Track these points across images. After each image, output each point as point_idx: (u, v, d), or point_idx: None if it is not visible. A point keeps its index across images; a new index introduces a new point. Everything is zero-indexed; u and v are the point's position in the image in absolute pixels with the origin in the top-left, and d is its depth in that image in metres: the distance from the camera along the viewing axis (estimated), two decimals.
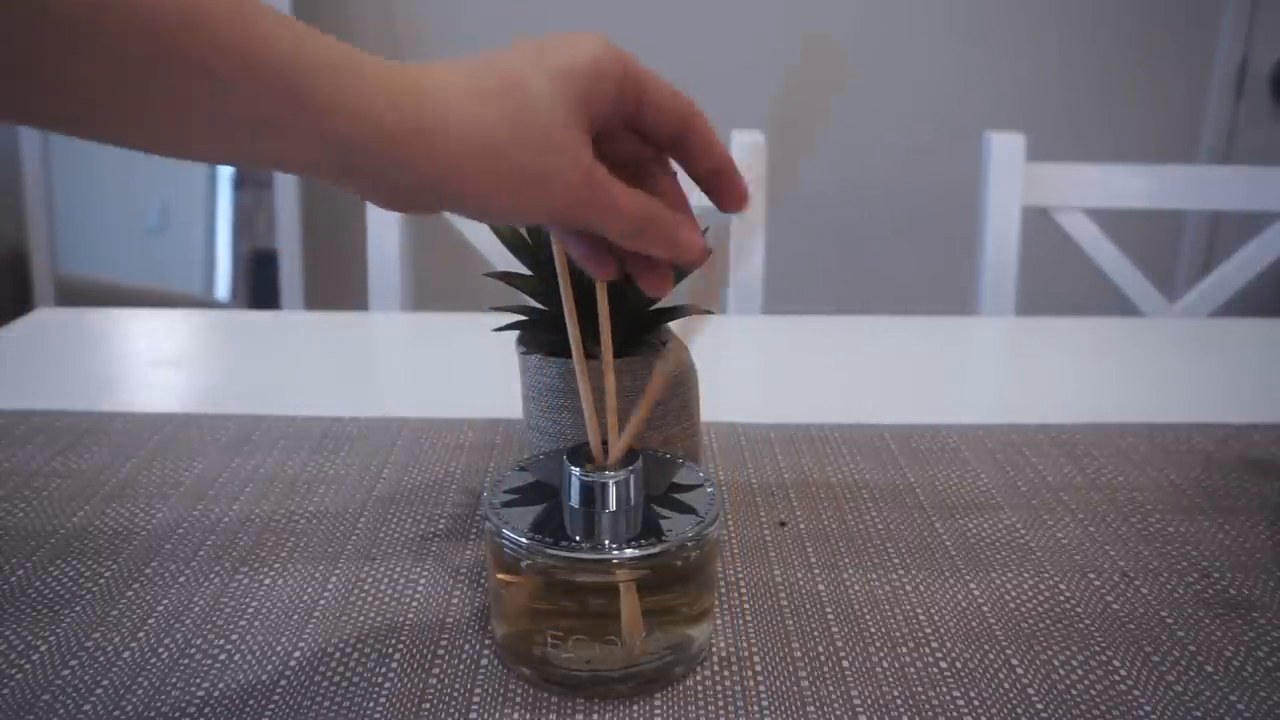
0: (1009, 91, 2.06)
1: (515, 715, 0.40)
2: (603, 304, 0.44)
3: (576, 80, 0.36)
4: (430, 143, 0.33)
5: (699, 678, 0.42)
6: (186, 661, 0.43)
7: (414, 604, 0.47)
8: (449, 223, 1.10)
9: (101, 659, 0.43)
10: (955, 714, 0.40)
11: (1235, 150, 2.10)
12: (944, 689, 0.41)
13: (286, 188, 1.88)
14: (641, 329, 0.50)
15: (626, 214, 0.37)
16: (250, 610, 0.46)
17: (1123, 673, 0.42)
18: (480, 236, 1.09)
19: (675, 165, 0.41)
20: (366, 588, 0.48)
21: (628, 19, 2.00)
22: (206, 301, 1.97)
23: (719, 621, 0.45)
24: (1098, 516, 0.56)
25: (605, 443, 0.43)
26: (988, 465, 0.62)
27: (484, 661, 0.43)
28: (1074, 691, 0.41)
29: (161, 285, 1.98)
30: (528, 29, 1.93)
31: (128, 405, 0.71)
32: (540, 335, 0.51)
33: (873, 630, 0.45)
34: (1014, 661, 0.43)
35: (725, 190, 0.41)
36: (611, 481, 0.41)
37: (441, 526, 0.54)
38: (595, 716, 0.40)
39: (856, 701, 0.41)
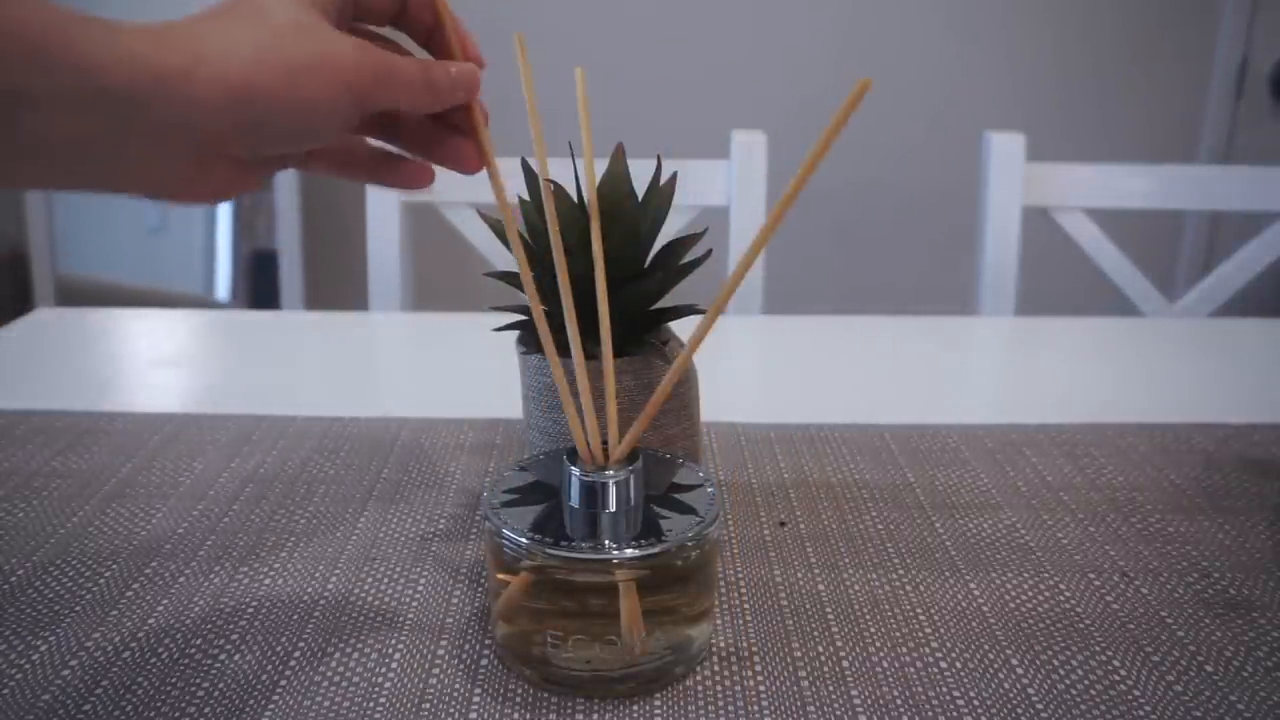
0: (1009, 91, 2.06)
1: (515, 715, 0.40)
2: (603, 307, 0.44)
3: None
4: (205, 67, 0.32)
5: (699, 678, 0.42)
6: (186, 661, 0.43)
7: (414, 604, 0.47)
8: (449, 223, 1.10)
9: (101, 659, 0.43)
10: (955, 714, 0.40)
11: (1235, 150, 2.10)
12: (944, 689, 0.41)
13: (287, 188, 1.88)
14: (641, 329, 0.50)
15: (412, 71, 0.38)
16: (250, 610, 0.46)
17: (1123, 673, 0.42)
18: (480, 236, 1.09)
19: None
20: (366, 588, 0.48)
21: (628, 19, 2.00)
22: (206, 301, 1.97)
23: (719, 621, 0.45)
24: (1098, 516, 0.56)
25: (605, 443, 0.43)
26: (988, 465, 0.62)
27: (484, 661, 0.43)
28: (1074, 691, 0.41)
29: (161, 285, 1.98)
30: (528, 29, 1.93)
31: (127, 405, 0.71)
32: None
33: (873, 630, 0.45)
34: (1014, 661, 0.43)
35: (458, 48, 0.41)
36: (612, 481, 0.41)
37: (441, 526, 0.54)
38: (595, 716, 0.40)
39: (856, 701, 0.41)
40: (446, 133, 0.42)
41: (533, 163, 0.46)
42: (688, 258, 0.50)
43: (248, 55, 0.33)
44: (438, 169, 0.43)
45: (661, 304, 0.50)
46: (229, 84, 0.33)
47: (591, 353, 0.45)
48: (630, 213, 0.48)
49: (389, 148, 0.43)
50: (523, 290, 0.45)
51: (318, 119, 0.35)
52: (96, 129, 0.31)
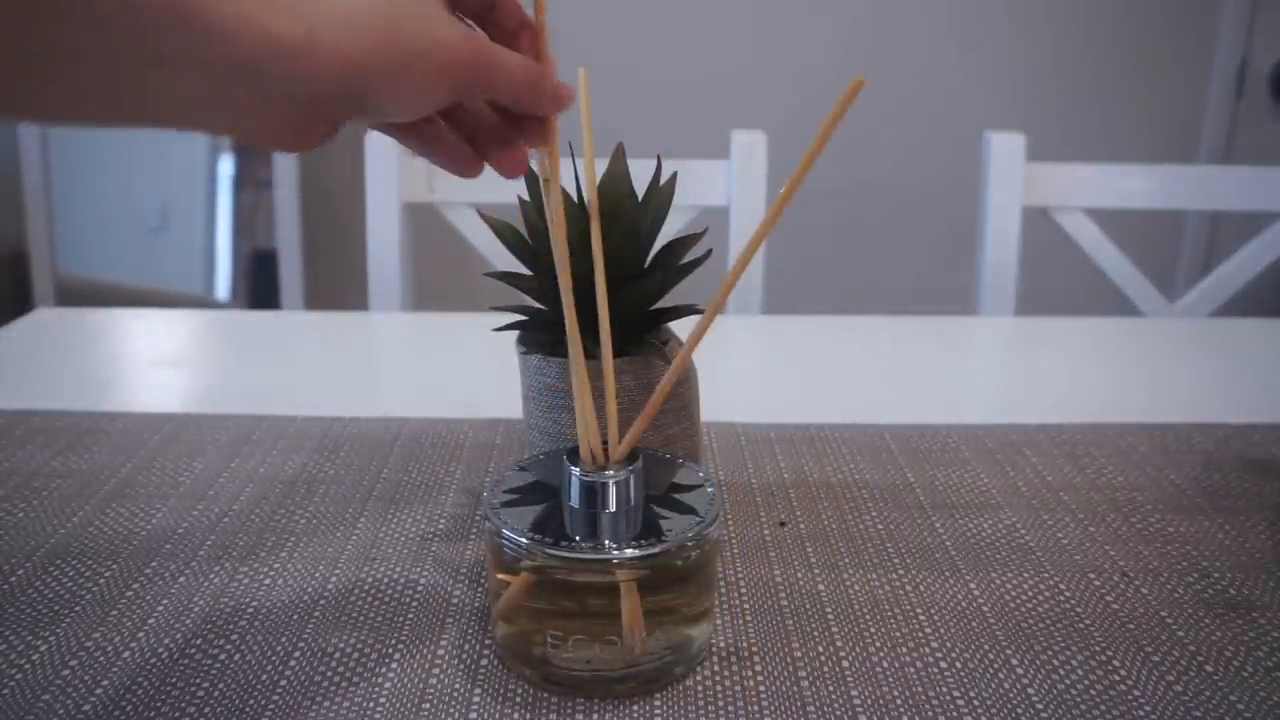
0: (1009, 91, 2.06)
1: (515, 715, 0.40)
2: (603, 307, 0.44)
3: None
4: (322, 40, 0.33)
5: (699, 678, 0.42)
6: (186, 661, 0.43)
7: (414, 604, 0.47)
8: (449, 223, 1.10)
9: (101, 659, 0.43)
10: (955, 714, 0.40)
11: (1235, 150, 2.10)
12: (944, 689, 0.41)
13: (287, 188, 1.88)
14: (641, 329, 0.50)
15: (517, 69, 0.39)
16: (250, 610, 0.46)
17: (1123, 673, 0.42)
18: (480, 236, 1.09)
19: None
20: (366, 588, 0.48)
21: (629, 19, 2.00)
22: (206, 301, 1.97)
23: (719, 621, 0.45)
24: (1098, 516, 0.56)
25: (605, 443, 0.43)
26: (988, 465, 0.62)
27: (484, 661, 0.43)
28: (1074, 691, 0.41)
29: (161, 285, 1.98)
30: None
31: (127, 405, 0.71)
32: (540, 335, 0.51)
33: (873, 630, 0.45)
34: (1014, 661, 0.43)
35: (528, 47, 0.42)
36: (612, 481, 0.41)
37: (441, 526, 0.54)
38: (595, 716, 0.40)
39: (856, 701, 0.41)
40: (506, 132, 0.43)
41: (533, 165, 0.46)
42: (688, 258, 0.50)
43: (364, 32, 0.34)
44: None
45: (661, 304, 0.50)
46: (342, 59, 0.34)
47: (590, 352, 0.45)
48: (630, 213, 0.48)
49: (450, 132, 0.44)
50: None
51: (417, 101, 0.37)
52: (217, 88, 0.33)
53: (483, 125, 0.43)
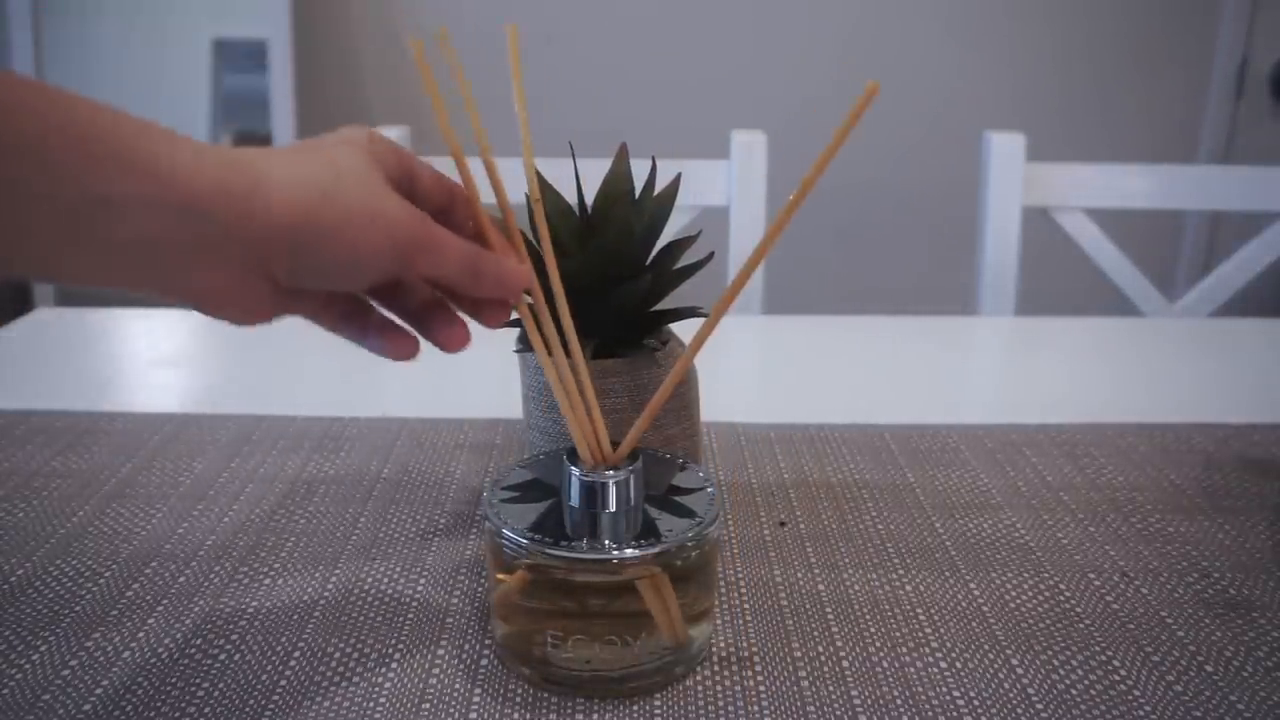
0: (1008, 91, 2.06)
1: (515, 715, 0.40)
2: (564, 309, 0.44)
3: (361, 145, 0.39)
4: (270, 193, 0.34)
5: (699, 678, 0.42)
6: (186, 661, 0.43)
7: (414, 604, 0.47)
8: None
9: (101, 659, 0.43)
10: (955, 714, 0.40)
11: (1235, 150, 2.10)
12: (944, 689, 0.41)
13: None
14: (641, 330, 0.50)
15: (457, 249, 0.39)
16: (250, 610, 0.46)
17: (1123, 673, 0.42)
18: None
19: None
20: (366, 588, 0.48)
21: (629, 19, 2.00)
22: None
23: (719, 621, 0.45)
24: (1098, 516, 0.56)
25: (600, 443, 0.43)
26: (988, 465, 0.62)
27: (484, 661, 0.43)
28: (1074, 691, 0.41)
29: None
30: (528, 28, 1.93)
31: (127, 405, 0.71)
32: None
33: (873, 630, 0.45)
34: (1014, 661, 0.43)
35: (494, 255, 0.42)
36: (612, 482, 0.41)
37: (441, 526, 0.54)
38: (595, 716, 0.40)
39: (856, 701, 0.41)
40: (448, 311, 0.43)
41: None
42: (686, 260, 0.50)
43: (311, 189, 0.35)
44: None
45: (664, 305, 0.50)
46: (289, 206, 0.35)
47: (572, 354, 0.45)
48: (624, 213, 0.48)
49: (385, 314, 0.44)
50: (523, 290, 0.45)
51: (360, 264, 0.37)
52: (161, 235, 0.33)
53: (422, 301, 0.43)
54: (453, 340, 0.43)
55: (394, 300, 0.43)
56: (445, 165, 0.44)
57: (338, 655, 0.43)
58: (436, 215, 0.41)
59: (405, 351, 0.43)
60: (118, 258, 0.33)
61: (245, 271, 0.35)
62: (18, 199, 0.30)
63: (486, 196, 0.43)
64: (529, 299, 0.44)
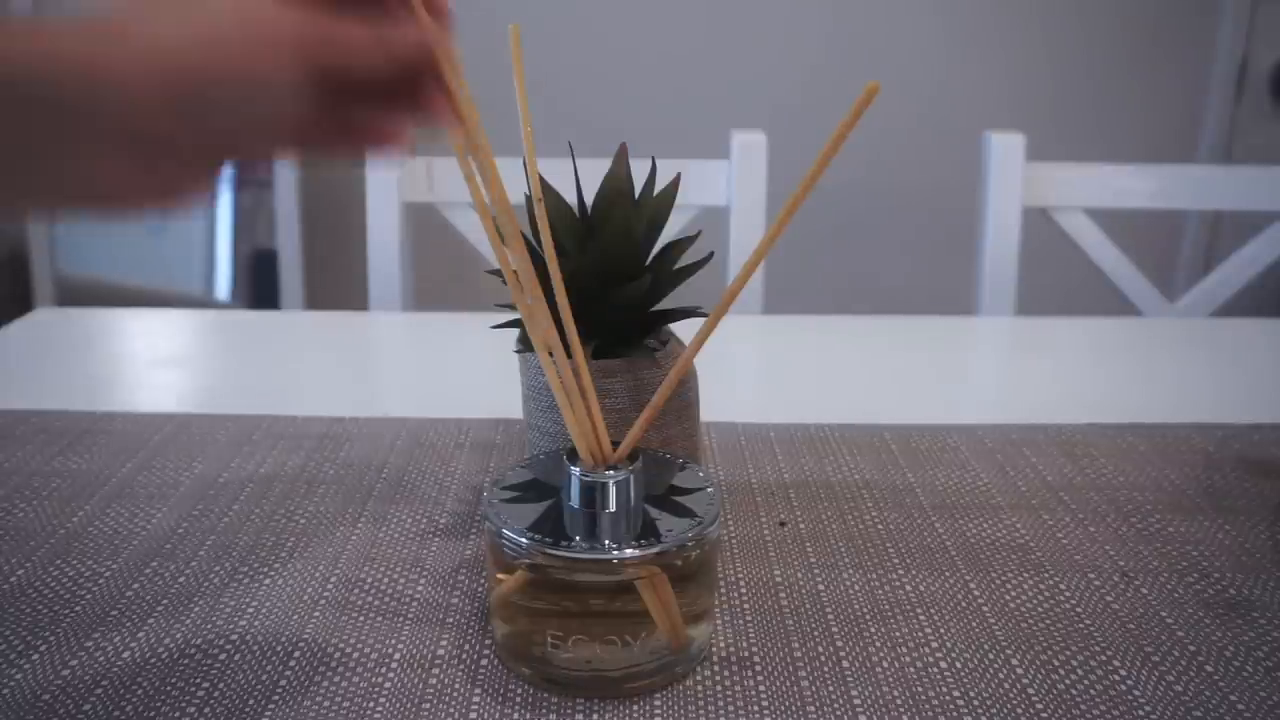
0: (1008, 91, 2.06)
1: (515, 715, 0.40)
2: (564, 308, 0.44)
3: None
4: (129, 46, 0.30)
5: (699, 678, 0.42)
6: (186, 661, 0.43)
7: (414, 604, 0.47)
8: (449, 223, 1.10)
9: (101, 659, 0.43)
10: (955, 714, 0.40)
11: (1235, 150, 2.10)
12: (944, 689, 0.41)
13: (287, 187, 1.88)
14: (641, 330, 0.50)
15: (362, 34, 0.35)
16: (250, 610, 0.46)
17: (1123, 673, 0.42)
18: (480, 236, 1.09)
19: None
20: (366, 588, 0.48)
21: (628, 19, 2.00)
22: (206, 301, 1.97)
23: (719, 621, 0.45)
24: (1098, 516, 0.56)
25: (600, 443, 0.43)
26: (988, 465, 0.62)
27: (484, 661, 0.43)
28: (1074, 691, 0.41)
29: (161, 285, 1.97)
30: (528, 28, 1.93)
31: (127, 405, 0.71)
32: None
33: (873, 630, 0.45)
34: (1014, 661, 0.43)
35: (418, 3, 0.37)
36: (612, 482, 0.41)
37: (442, 526, 0.54)
38: (595, 716, 0.40)
39: (856, 702, 0.41)
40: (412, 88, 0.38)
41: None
42: (686, 260, 0.50)
43: (174, 30, 0.31)
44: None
45: (664, 305, 0.50)
46: (155, 61, 0.30)
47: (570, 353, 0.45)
48: (623, 213, 0.48)
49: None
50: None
51: (258, 91, 0.32)
52: (23, 129, 0.30)
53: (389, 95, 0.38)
54: (389, 134, 0.38)
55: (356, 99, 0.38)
56: (453, 163, 0.44)
57: (338, 655, 0.43)
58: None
59: (396, 139, 0.38)
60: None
61: (137, 150, 0.31)
62: None
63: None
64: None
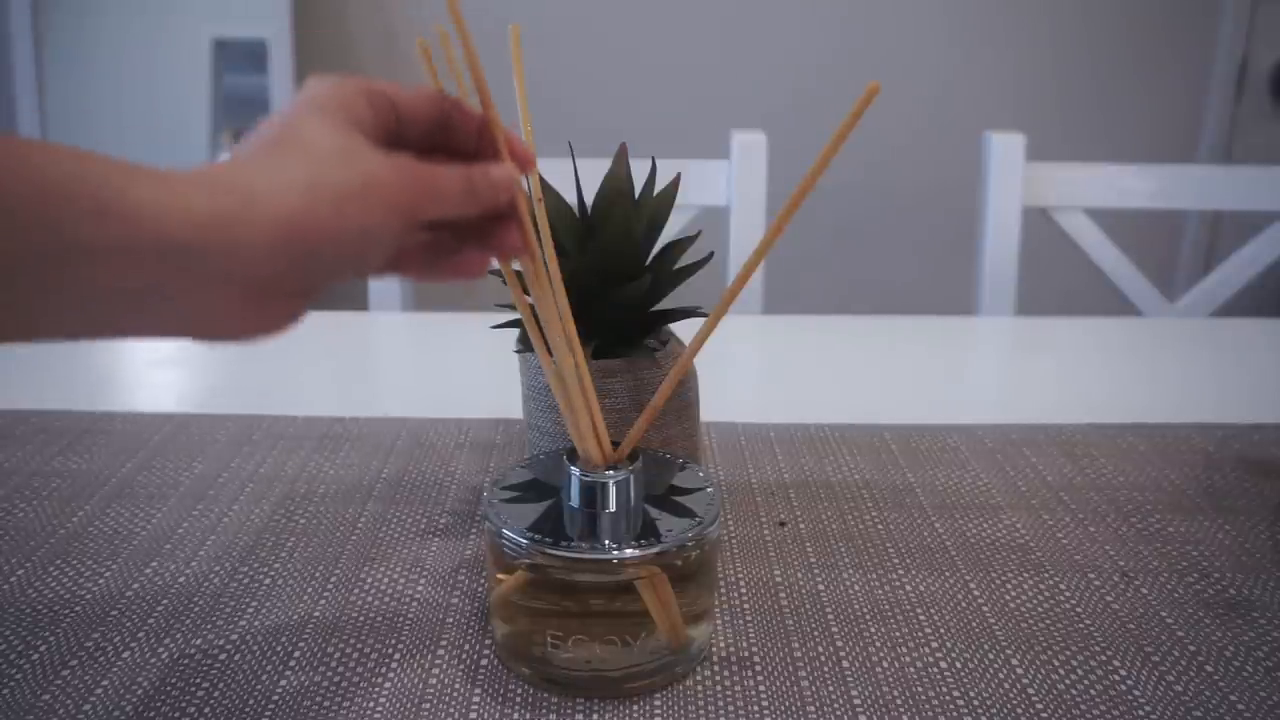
0: (1008, 91, 2.06)
1: (515, 715, 0.40)
2: (563, 302, 0.44)
3: (329, 107, 0.36)
4: (256, 209, 0.32)
5: (699, 678, 0.42)
6: (186, 661, 0.43)
7: (414, 604, 0.47)
8: None
9: (101, 659, 0.43)
10: (955, 714, 0.40)
11: (1235, 150, 2.10)
12: (944, 689, 0.41)
13: None
14: (641, 330, 0.50)
15: (453, 180, 0.37)
16: (250, 610, 0.46)
17: (1123, 673, 0.42)
18: None
19: None
20: (366, 588, 0.48)
21: (628, 19, 2.00)
22: None
23: (719, 621, 0.45)
24: (1098, 516, 0.56)
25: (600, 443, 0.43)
26: (988, 465, 0.62)
27: (484, 661, 0.43)
28: (1074, 691, 0.41)
29: None
30: (528, 29, 1.93)
31: (127, 405, 0.71)
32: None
33: (873, 630, 0.45)
34: (1014, 661, 0.43)
35: (504, 149, 0.40)
36: (612, 482, 0.41)
37: (442, 526, 0.54)
38: (595, 716, 0.40)
39: (856, 702, 0.41)
40: (491, 222, 0.41)
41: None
42: (686, 260, 0.50)
43: (297, 191, 0.33)
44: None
45: (663, 305, 0.50)
46: (279, 222, 0.32)
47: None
48: (623, 213, 0.48)
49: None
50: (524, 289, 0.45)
51: (368, 245, 0.35)
52: (150, 279, 0.31)
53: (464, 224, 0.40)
54: (472, 266, 0.41)
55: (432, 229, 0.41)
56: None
57: (338, 655, 0.43)
58: (437, 132, 0.39)
59: (476, 269, 0.41)
60: (104, 307, 0.31)
61: (251, 294, 0.33)
62: None
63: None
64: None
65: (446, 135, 0.40)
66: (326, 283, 0.36)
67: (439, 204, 0.37)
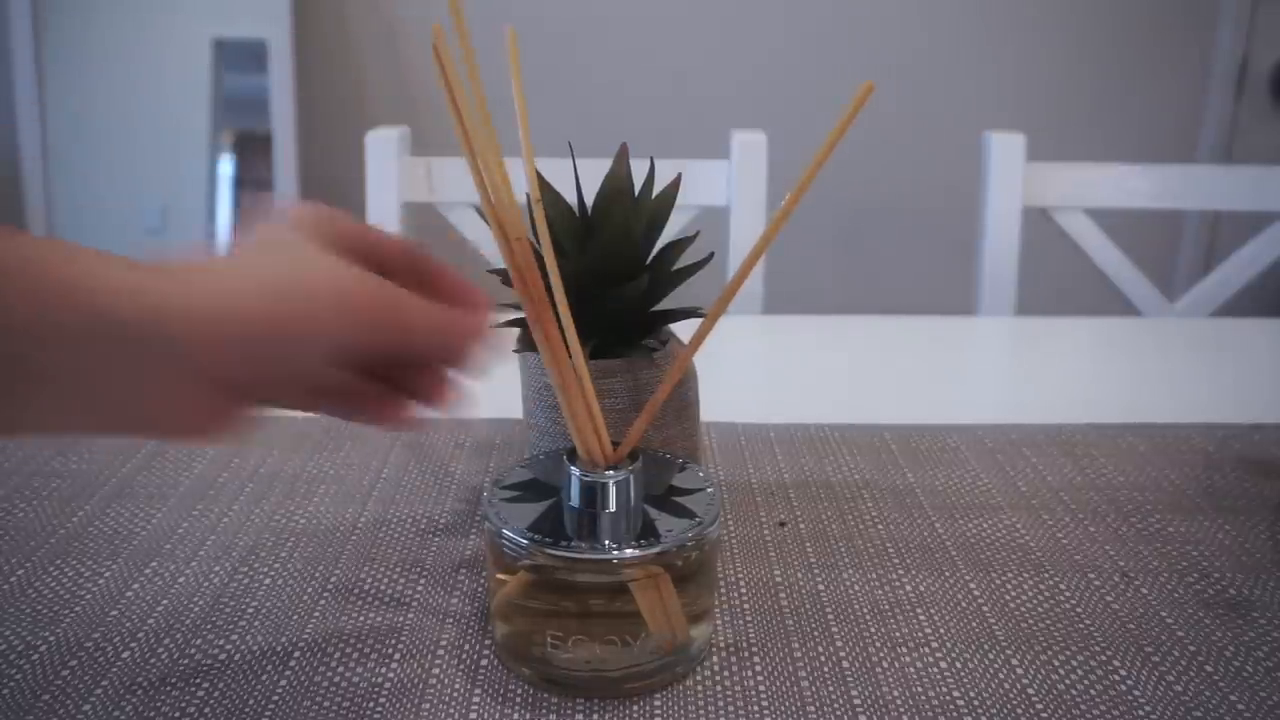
0: (1009, 91, 2.06)
1: (515, 715, 0.40)
2: (562, 303, 0.44)
3: (305, 229, 0.37)
4: (205, 297, 0.32)
5: (699, 678, 0.42)
6: (186, 661, 0.43)
7: (414, 604, 0.47)
8: (449, 223, 1.10)
9: (101, 659, 0.43)
10: (955, 714, 0.40)
11: (1235, 150, 2.10)
12: (944, 689, 0.41)
13: (287, 187, 1.88)
14: (640, 330, 0.50)
15: (423, 312, 0.37)
16: (250, 610, 0.46)
17: (1123, 673, 0.42)
18: (480, 235, 1.09)
19: None
20: (366, 588, 0.48)
21: (628, 19, 2.00)
22: None
23: (719, 621, 0.45)
24: (1098, 516, 0.56)
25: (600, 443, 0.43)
26: (988, 465, 0.62)
27: (484, 661, 0.43)
28: (1074, 691, 0.41)
29: None
30: (528, 29, 1.94)
31: None
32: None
33: (873, 630, 0.45)
34: (1014, 661, 0.43)
35: (463, 300, 0.40)
36: (612, 482, 0.41)
37: (442, 526, 0.54)
38: (595, 716, 0.40)
39: (856, 701, 0.41)
40: (428, 370, 0.41)
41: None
42: (686, 260, 0.50)
43: (266, 292, 0.33)
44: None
45: (663, 305, 0.50)
46: (246, 314, 0.33)
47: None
48: (623, 213, 0.48)
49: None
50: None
51: (330, 347, 0.35)
52: (103, 361, 0.31)
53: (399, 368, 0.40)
54: (440, 396, 0.41)
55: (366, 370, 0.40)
56: (453, 163, 0.44)
57: (338, 655, 0.43)
58: (407, 275, 0.39)
59: (396, 416, 0.40)
60: (60, 398, 0.31)
61: (215, 391, 0.33)
62: None
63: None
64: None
65: (414, 284, 0.39)
66: (273, 384, 0.36)
67: (405, 324, 0.37)
